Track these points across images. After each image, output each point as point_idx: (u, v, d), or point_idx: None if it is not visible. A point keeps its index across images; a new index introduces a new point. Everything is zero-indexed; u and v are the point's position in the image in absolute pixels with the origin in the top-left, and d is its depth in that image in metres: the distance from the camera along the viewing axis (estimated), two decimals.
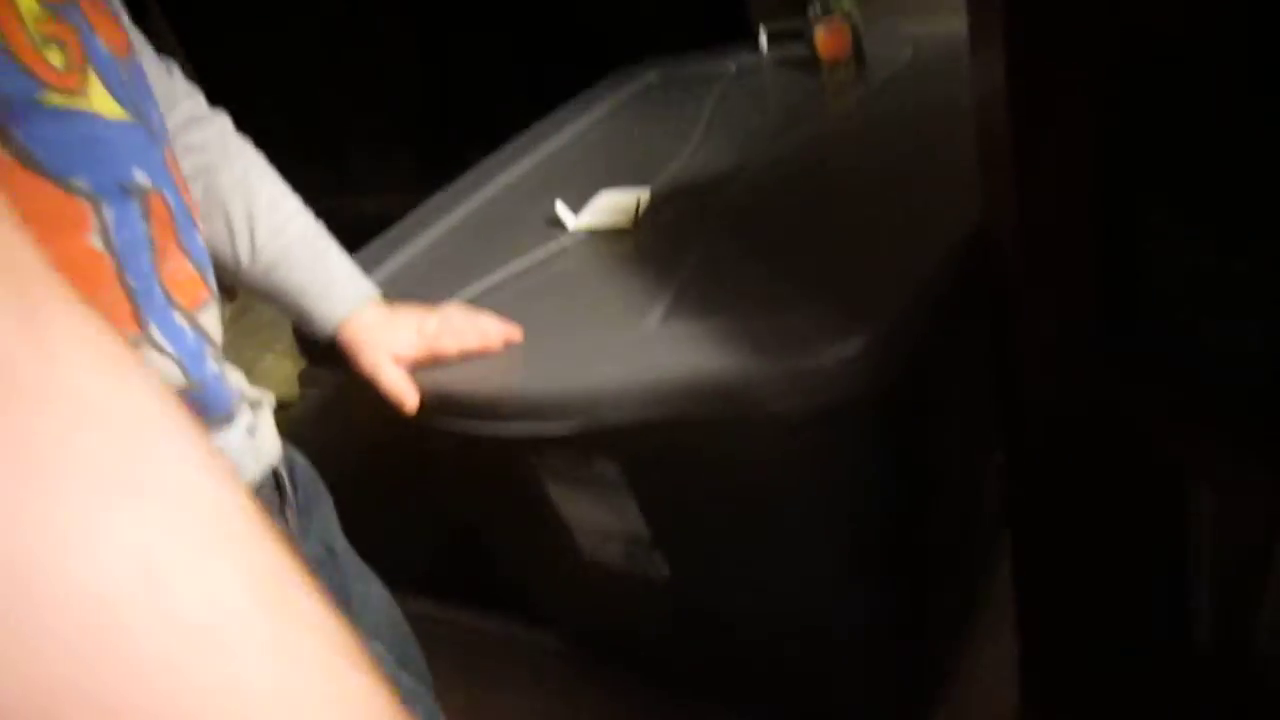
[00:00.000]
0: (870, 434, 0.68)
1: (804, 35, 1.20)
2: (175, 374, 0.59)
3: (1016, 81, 0.60)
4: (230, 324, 2.23)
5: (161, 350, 0.58)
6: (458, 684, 1.30)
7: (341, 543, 0.74)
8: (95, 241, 0.54)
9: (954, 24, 1.13)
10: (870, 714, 0.99)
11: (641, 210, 0.94)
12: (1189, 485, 0.71)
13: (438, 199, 1.10)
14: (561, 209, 0.95)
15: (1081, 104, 0.61)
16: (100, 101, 0.55)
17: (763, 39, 1.29)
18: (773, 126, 1.09)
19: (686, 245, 0.84)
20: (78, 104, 0.53)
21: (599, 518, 0.87)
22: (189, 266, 0.63)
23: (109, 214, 0.54)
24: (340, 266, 0.78)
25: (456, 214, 1.05)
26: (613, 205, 0.96)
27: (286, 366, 2.02)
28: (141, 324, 0.57)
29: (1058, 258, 0.66)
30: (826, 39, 1.16)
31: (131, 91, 0.59)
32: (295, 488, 0.69)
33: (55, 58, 0.52)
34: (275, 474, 0.67)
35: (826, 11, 1.15)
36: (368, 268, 0.97)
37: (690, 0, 1.67)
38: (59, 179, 0.52)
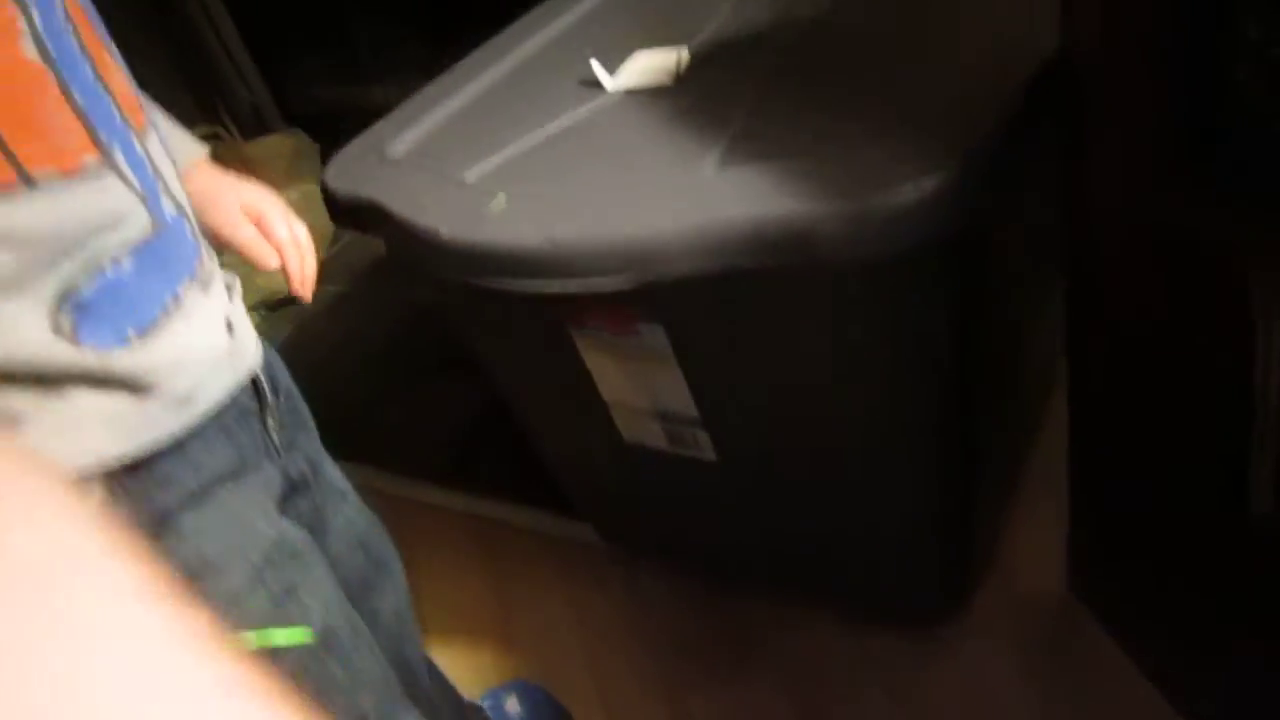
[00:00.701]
0: (942, 279, 0.63)
1: None
2: (140, 213, 0.52)
3: None
4: None
5: (126, 181, 0.51)
6: (482, 574, 1.29)
7: (325, 461, 0.69)
8: (28, 50, 0.47)
9: None
10: (916, 596, 0.97)
11: (683, 68, 0.87)
12: (1260, 322, 0.66)
13: (464, 64, 1.04)
14: (597, 69, 0.89)
15: None
16: None
17: None
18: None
19: (736, 98, 0.78)
20: None
21: (641, 393, 0.83)
22: (125, 80, 0.55)
23: (35, 15, 0.47)
24: (171, 121, 0.68)
25: (485, 79, 0.99)
26: (651, 64, 0.89)
27: None
28: (102, 147, 0.50)
29: (1145, 72, 0.60)
30: None
31: None
32: (276, 394, 0.63)
33: None
34: (254, 381, 0.60)
35: None
36: (394, 132, 0.91)
37: None
38: None
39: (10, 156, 0.44)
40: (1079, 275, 0.65)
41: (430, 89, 1.00)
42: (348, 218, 0.82)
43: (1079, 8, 0.59)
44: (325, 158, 2.21)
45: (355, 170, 0.86)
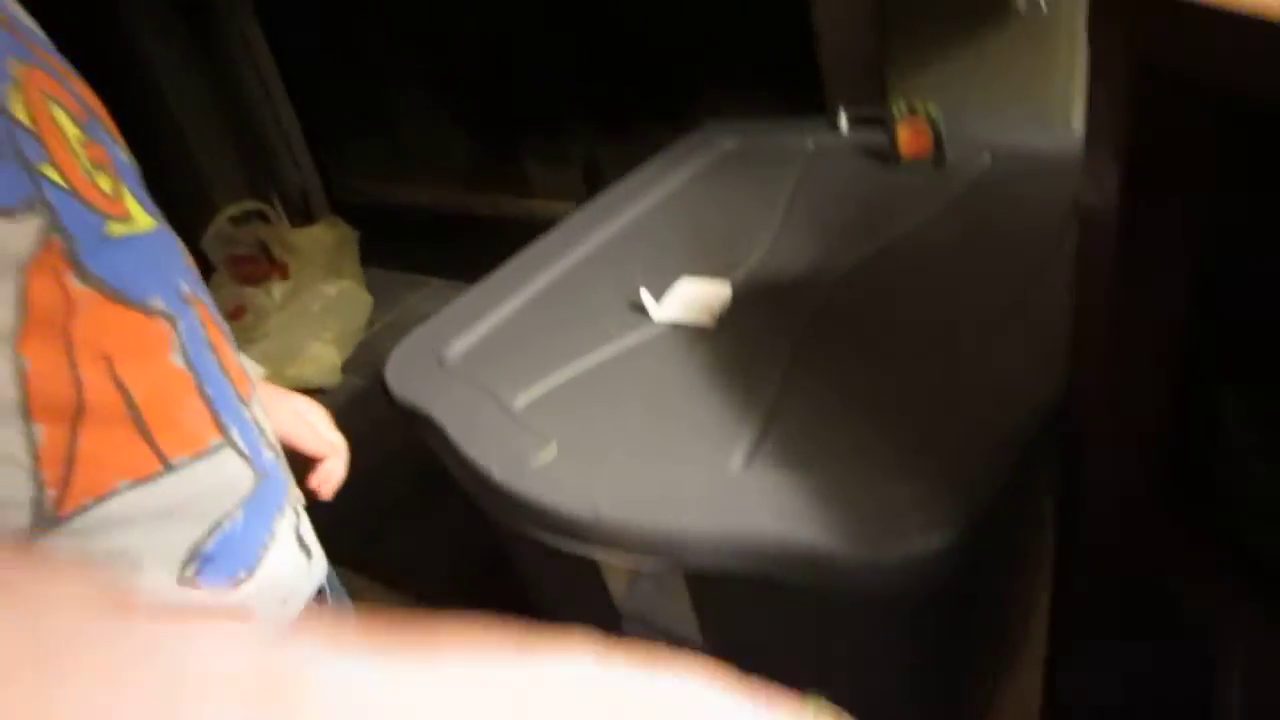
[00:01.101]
0: (944, 602, 0.71)
1: (884, 125, 1.22)
2: (247, 473, 0.60)
3: (1125, 248, 0.62)
4: (279, 308, 2.22)
5: (239, 450, 0.60)
6: None
7: None
8: (177, 359, 0.54)
9: (1029, 135, 1.17)
10: None
11: (723, 310, 0.97)
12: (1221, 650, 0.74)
13: (519, 262, 1.13)
14: (646, 297, 0.98)
15: (1182, 277, 0.63)
16: (139, 216, 0.55)
17: (843, 121, 1.31)
18: (853, 223, 1.12)
19: (770, 361, 0.87)
20: (131, 228, 0.53)
21: (654, 617, 0.91)
22: (235, 358, 0.63)
23: (182, 329, 0.55)
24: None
25: (539, 281, 1.08)
26: (696, 299, 0.99)
27: (331, 354, 2.06)
28: (223, 429, 0.58)
29: (1138, 419, 0.68)
30: (908, 137, 1.19)
31: (145, 192, 0.58)
32: (331, 592, 0.72)
33: (104, 183, 0.52)
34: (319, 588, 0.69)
35: (911, 111, 1.17)
36: (450, 332, 1.00)
37: (764, 63, 1.68)
38: (140, 305, 0.52)
39: (155, 449, 0.52)
40: (1061, 589, 0.74)
41: (487, 285, 1.09)
42: (408, 421, 0.91)
43: (1086, 345, 0.68)
44: (365, 248, 2.31)
45: (414, 374, 0.95)
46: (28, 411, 0.46)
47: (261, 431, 0.64)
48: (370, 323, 2.25)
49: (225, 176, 2.42)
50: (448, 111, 2.35)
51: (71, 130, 0.51)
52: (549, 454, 0.79)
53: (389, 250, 2.41)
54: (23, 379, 0.45)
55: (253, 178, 2.47)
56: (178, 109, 2.35)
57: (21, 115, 0.47)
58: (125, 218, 0.52)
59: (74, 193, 0.49)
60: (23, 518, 0.47)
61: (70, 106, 0.52)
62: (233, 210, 2.25)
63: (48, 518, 0.48)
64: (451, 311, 1.04)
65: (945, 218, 1.09)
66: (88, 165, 0.51)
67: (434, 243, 2.39)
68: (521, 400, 0.88)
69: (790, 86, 1.57)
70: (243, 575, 0.58)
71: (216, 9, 2.27)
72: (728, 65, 1.77)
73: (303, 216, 2.46)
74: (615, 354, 0.94)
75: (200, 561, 0.55)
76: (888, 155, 1.22)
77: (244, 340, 1.98)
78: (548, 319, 1.03)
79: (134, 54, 2.29)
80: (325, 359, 2.04)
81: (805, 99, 1.47)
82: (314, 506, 0.74)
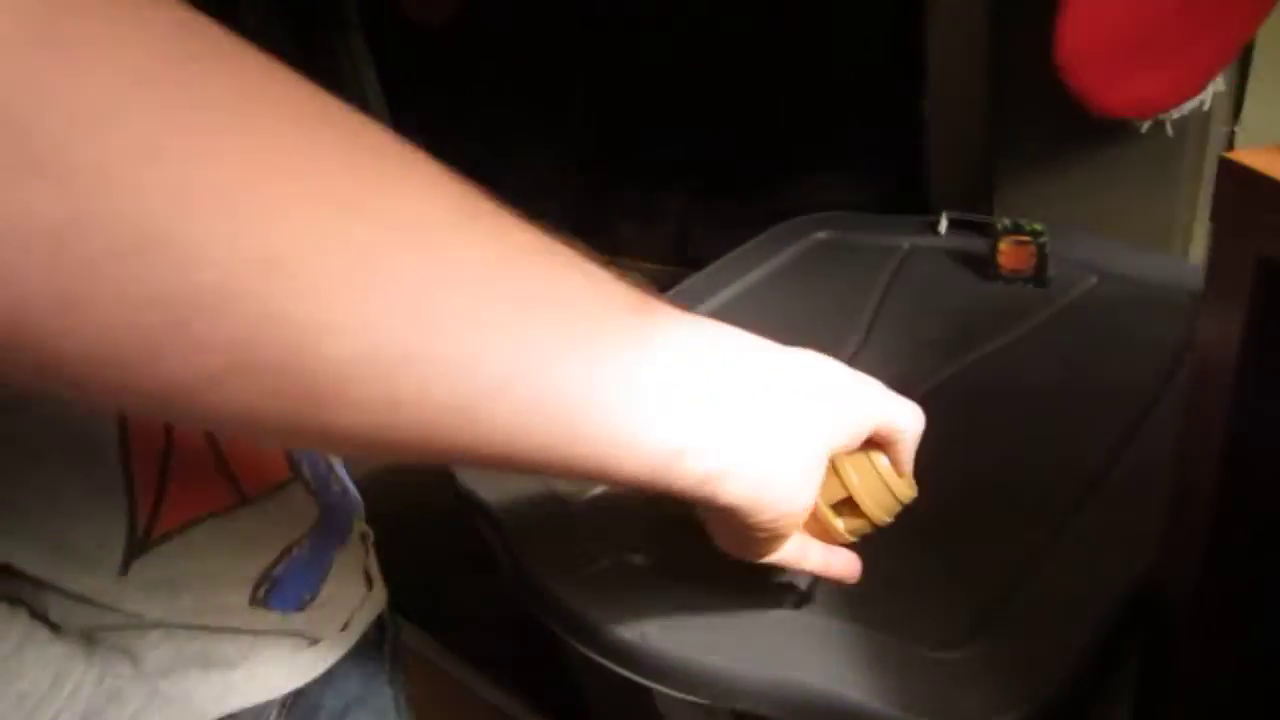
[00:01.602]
0: None
1: (986, 233, 1.18)
2: (313, 505, 0.64)
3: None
4: None
5: (306, 483, 0.63)
6: None
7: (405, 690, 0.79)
8: None
9: (1141, 262, 1.12)
10: None
11: None
12: None
13: None
14: None
15: None
16: None
17: (943, 225, 1.27)
18: (942, 336, 1.08)
19: None
20: None
21: None
22: None
23: None
24: None
25: None
26: None
27: None
28: (294, 466, 0.62)
29: (1236, 612, 0.63)
30: (1010, 253, 1.14)
31: None
32: (391, 626, 0.75)
33: None
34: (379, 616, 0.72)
35: (1017, 229, 1.13)
36: None
37: (870, 157, 1.66)
38: None
39: (235, 485, 0.57)
40: None
41: None
42: (466, 506, 0.90)
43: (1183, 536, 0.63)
44: None
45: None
46: (127, 453, 0.50)
47: (330, 467, 0.68)
48: None
49: None
50: (549, 165, 2.38)
51: None
52: (600, 566, 0.77)
53: None
54: (123, 421, 0.50)
55: None
56: None
57: None
58: None
59: None
60: (118, 546, 0.52)
61: None
62: None
63: (139, 544, 0.53)
64: None
65: (1041, 341, 1.04)
66: None
67: None
68: (584, 498, 0.87)
69: (893, 183, 1.54)
70: (307, 598, 0.62)
71: (336, 52, 2.35)
72: (832, 152, 1.74)
73: None
74: None
75: (270, 584, 0.59)
76: (986, 265, 1.17)
77: None
78: None
79: None
80: None
81: (907, 197, 1.44)
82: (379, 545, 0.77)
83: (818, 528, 0.59)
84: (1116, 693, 0.65)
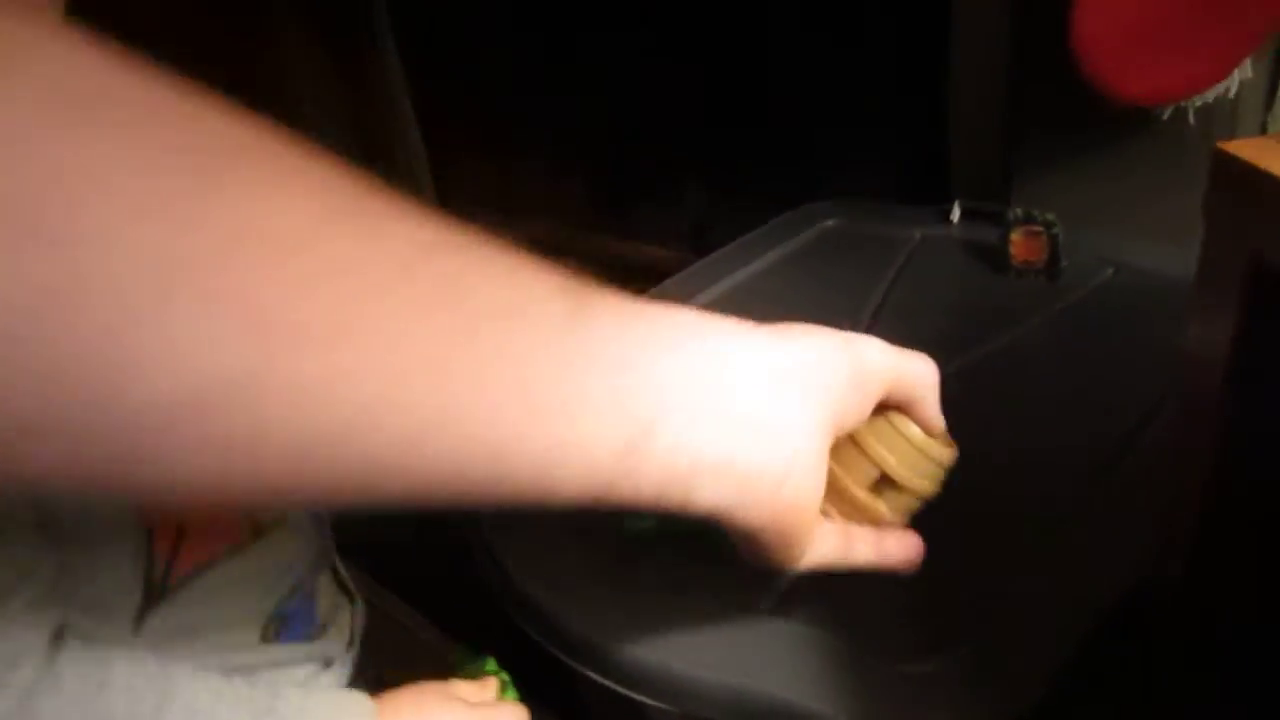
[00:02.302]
0: None
1: (999, 223, 1.14)
2: (314, 534, 0.65)
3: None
4: None
5: (310, 513, 0.64)
6: None
7: None
8: None
9: (1158, 255, 1.07)
10: None
11: None
12: None
13: None
14: None
15: None
16: None
17: (955, 214, 1.23)
18: (950, 329, 1.04)
19: None
20: None
21: None
22: None
23: None
24: None
25: None
26: None
27: None
28: None
29: (1226, 630, 0.60)
30: (1022, 244, 1.10)
31: None
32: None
33: None
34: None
35: (1029, 219, 1.09)
36: None
37: (888, 146, 1.62)
38: None
39: (250, 516, 0.57)
40: None
41: None
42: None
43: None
44: None
45: None
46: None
47: None
48: None
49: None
50: (567, 150, 2.36)
51: None
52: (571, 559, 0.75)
53: None
54: None
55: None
56: (315, 122, 2.43)
57: None
58: None
59: None
60: (136, 593, 0.50)
61: None
62: None
63: (156, 591, 0.51)
64: None
65: (1052, 335, 1.00)
66: None
67: None
68: None
69: (910, 172, 1.50)
70: (314, 631, 0.62)
71: (361, 37, 2.35)
72: (853, 140, 1.70)
73: None
74: None
75: (280, 621, 0.59)
76: (999, 257, 1.13)
77: None
78: None
79: (281, 65, 2.39)
80: None
81: (924, 186, 1.40)
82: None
83: (860, 516, 0.52)
84: (1098, 710, 0.62)
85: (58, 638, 0.44)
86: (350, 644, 0.68)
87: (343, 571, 0.73)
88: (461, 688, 0.70)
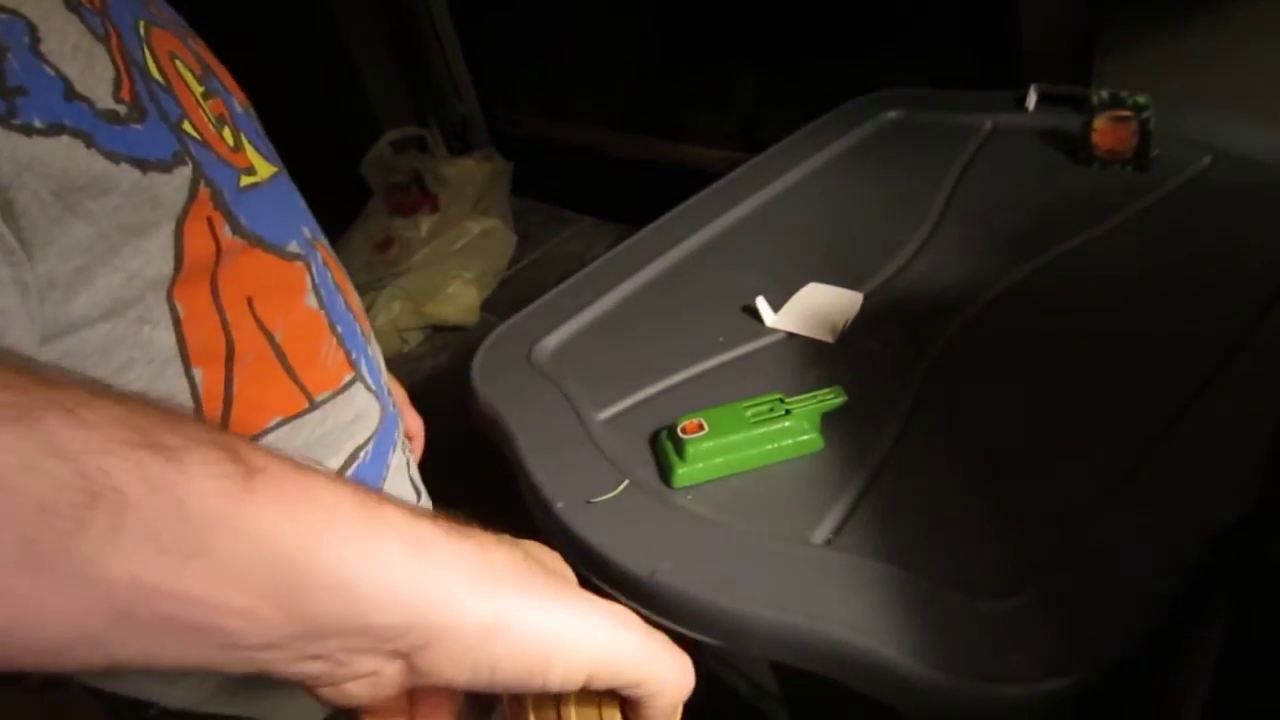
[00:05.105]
0: None
1: (1080, 108, 1.03)
2: (375, 407, 0.62)
3: None
4: (424, 242, 2.26)
5: (367, 384, 0.61)
6: None
7: None
8: (311, 300, 0.57)
9: (1264, 141, 0.96)
10: None
11: (847, 326, 0.84)
12: None
13: (630, 246, 1.03)
14: (763, 305, 0.87)
15: None
16: (261, 165, 0.56)
17: (1031, 99, 1.13)
18: (1024, 228, 0.95)
19: (890, 398, 0.74)
20: (256, 178, 0.54)
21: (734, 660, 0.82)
22: (355, 296, 0.66)
23: (314, 270, 0.57)
24: None
25: (649, 271, 0.98)
26: (818, 310, 0.86)
27: (470, 294, 2.04)
28: (354, 365, 0.60)
29: None
30: (1107, 131, 1.00)
31: (263, 140, 0.60)
32: None
33: (228, 136, 0.53)
34: None
35: (1116, 103, 0.98)
36: (544, 328, 0.91)
37: (955, 27, 1.49)
38: (279, 249, 0.54)
39: (301, 386, 0.55)
40: None
41: (592, 273, 0.99)
42: (484, 424, 0.84)
43: None
44: (519, 179, 2.27)
45: (498, 370, 0.87)
46: (186, 356, 0.48)
47: (381, 369, 0.66)
48: (515, 259, 2.22)
49: (391, 101, 2.43)
50: (613, 51, 2.25)
51: (195, 86, 0.52)
52: (617, 490, 0.70)
53: (542, 184, 2.37)
54: (178, 325, 0.47)
55: (417, 104, 2.46)
56: (349, 32, 2.35)
57: (156, 75, 0.48)
58: (250, 169, 0.54)
59: (209, 146, 0.50)
60: None
61: (190, 63, 0.53)
62: (394, 135, 2.25)
63: None
64: (548, 304, 0.96)
65: (1138, 235, 0.91)
66: (213, 119, 0.52)
67: (587, 180, 2.32)
68: (605, 414, 0.80)
69: (981, 57, 1.38)
70: None
71: None
72: (914, 24, 1.57)
73: (461, 145, 2.44)
74: (716, 366, 0.83)
75: None
76: (1079, 146, 1.03)
77: (388, 274, 1.99)
78: (652, 315, 0.93)
79: None
80: (464, 299, 2.02)
81: (997, 72, 1.28)
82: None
83: None
84: (1191, 659, 0.56)
85: None
86: None
87: (413, 466, 0.72)
88: None
